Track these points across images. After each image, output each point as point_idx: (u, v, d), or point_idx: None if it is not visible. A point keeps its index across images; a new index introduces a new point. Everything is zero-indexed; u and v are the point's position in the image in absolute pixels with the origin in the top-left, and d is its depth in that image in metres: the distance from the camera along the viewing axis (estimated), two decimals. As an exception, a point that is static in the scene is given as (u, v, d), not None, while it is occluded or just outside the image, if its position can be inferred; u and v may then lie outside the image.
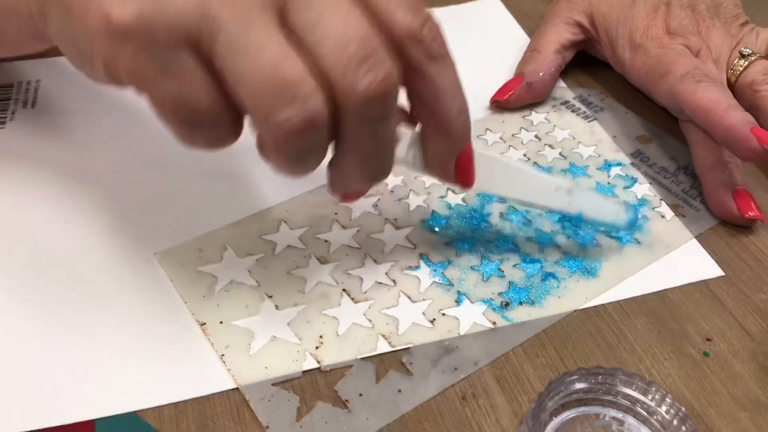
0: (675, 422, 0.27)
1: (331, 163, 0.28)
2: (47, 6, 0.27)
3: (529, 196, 0.33)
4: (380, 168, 0.28)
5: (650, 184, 0.40)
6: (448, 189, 0.38)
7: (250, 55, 0.23)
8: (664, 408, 0.28)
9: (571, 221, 0.36)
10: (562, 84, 0.46)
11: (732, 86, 0.41)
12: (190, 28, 0.23)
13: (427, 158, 0.30)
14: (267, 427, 0.28)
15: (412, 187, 0.38)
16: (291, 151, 0.25)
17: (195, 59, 0.24)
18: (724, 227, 0.37)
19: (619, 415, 0.29)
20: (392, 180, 0.38)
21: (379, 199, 0.37)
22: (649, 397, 0.28)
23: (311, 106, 0.23)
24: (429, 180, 0.39)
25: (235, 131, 0.26)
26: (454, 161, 0.29)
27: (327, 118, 0.24)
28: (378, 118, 0.25)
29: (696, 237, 0.37)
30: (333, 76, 0.24)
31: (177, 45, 0.23)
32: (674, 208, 0.38)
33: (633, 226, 0.36)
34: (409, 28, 0.26)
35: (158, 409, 0.29)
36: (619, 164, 0.41)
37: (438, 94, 0.27)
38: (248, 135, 0.26)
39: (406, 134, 0.29)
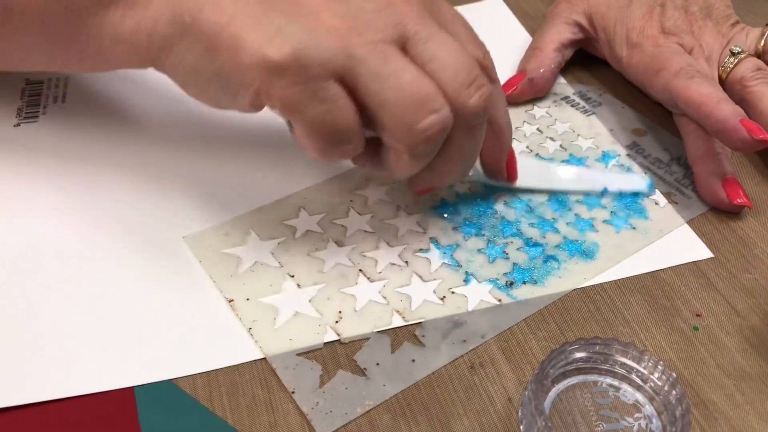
0: (666, 387, 0.30)
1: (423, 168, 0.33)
2: (175, 41, 0.31)
3: (560, 185, 0.40)
4: (469, 164, 0.35)
5: (645, 173, 0.42)
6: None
7: (393, 80, 0.29)
8: (656, 375, 0.30)
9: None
10: (562, 80, 0.49)
11: (723, 82, 0.43)
12: (336, 63, 0.28)
13: (485, 159, 0.38)
14: (293, 392, 0.31)
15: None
16: (423, 153, 0.31)
17: (339, 87, 0.29)
18: (714, 213, 0.40)
19: (615, 382, 0.31)
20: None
21: (390, 188, 0.40)
22: (643, 365, 0.31)
23: (445, 114, 0.30)
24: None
25: (362, 145, 0.32)
26: (505, 160, 0.38)
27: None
28: (479, 124, 0.32)
29: (687, 222, 0.39)
30: (450, 94, 0.30)
31: (326, 77, 0.29)
32: (667, 195, 0.41)
33: (652, 186, 0.41)
34: (479, 58, 0.32)
35: (192, 377, 0.31)
36: (616, 155, 0.43)
37: (497, 107, 0.35)
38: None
39: None
